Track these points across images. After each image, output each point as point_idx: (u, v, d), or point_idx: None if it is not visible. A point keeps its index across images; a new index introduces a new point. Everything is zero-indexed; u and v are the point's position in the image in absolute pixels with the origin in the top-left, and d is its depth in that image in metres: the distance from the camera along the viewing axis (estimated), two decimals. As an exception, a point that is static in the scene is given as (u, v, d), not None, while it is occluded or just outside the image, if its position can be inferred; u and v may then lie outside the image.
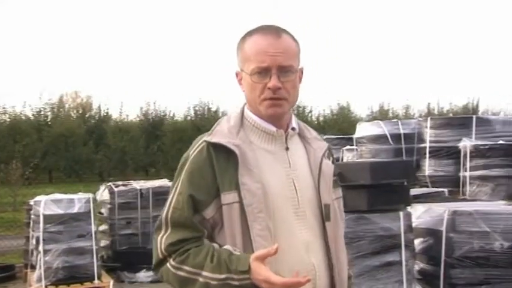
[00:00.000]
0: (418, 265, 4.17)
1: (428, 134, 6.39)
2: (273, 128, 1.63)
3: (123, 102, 24.96)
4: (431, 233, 4.11)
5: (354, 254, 3.83)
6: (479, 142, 5.83)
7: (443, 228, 3.98)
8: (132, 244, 7.18)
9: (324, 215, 1.61)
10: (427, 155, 6.36)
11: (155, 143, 19.27)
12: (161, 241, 1.57)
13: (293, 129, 1.68)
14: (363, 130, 7.08)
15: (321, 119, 20.23)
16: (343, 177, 4.00)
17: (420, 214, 4.29)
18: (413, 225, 4.10)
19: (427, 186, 6.10)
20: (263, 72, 1.56)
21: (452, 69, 40.41)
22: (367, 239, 3.85)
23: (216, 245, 1.55)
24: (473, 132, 6.07)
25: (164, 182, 7.89)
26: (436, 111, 19.52)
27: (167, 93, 37.61)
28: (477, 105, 20.01)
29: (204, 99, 19.79)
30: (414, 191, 5.66)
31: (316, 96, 37.59)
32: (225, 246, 1.54)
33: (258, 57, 1.57)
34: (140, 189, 7.34)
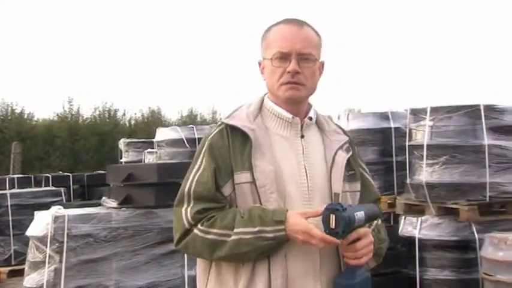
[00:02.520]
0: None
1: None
2: (289, 115, 1.68)
3: None
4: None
5: (142, 244, 4.36)
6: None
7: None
8: None
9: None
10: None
11: None
12: (186, 212, 1.60)
13: (310, 118, 1.72)
14: (161, 135, 7.68)
15: (133, 122, 20.50)
16: (134, 177, 4.51)
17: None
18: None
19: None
20: (283, 57, 1.63)
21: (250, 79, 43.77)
22: (154, 231, 4.39)
23: (242, 209, 1.58)
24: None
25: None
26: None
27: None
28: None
29: (8, 100, 18.59)
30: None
31: (130, 99, 37.35)
32: (255, 205, 1.58)
33: (280, 43, 1.63)
34: None
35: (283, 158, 1.63)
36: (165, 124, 17.84)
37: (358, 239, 1.54)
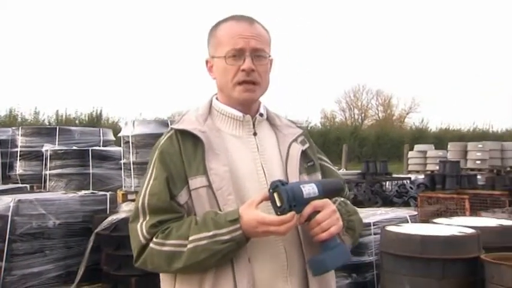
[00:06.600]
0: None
1: (20, 140, 7.62)
2: (240, 114, 1.63)
3: None
4: (0, 217, 4.99)
5: None
6: (57, 147, 7.34)
7: (9, 213, 4.94)
8: None
9: None
10: (18, 158, 7.57)
11: None
12: (141, 227, 1.50)
13: (261, 115, 1.67)
14: (-42, 136, 7.82)
15: None
16: None
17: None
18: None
19: (18, 183, 7.25)
20: (237, 54, 1.56)
21: (79, 81, 43.58)
22: None
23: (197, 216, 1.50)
24: (57, 139, 7.58)
25: None
26: (64, 118, 20.68)
27: None
28: (101, 113, 22.05)
29: None
30: (3, 187, 6.73)
31: None
32: (208, 210, 1.50)
33: (233, 40, 1.57)
34: None
35: (238, 158, 1.58)
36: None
37: (318, 212, 1.48)
